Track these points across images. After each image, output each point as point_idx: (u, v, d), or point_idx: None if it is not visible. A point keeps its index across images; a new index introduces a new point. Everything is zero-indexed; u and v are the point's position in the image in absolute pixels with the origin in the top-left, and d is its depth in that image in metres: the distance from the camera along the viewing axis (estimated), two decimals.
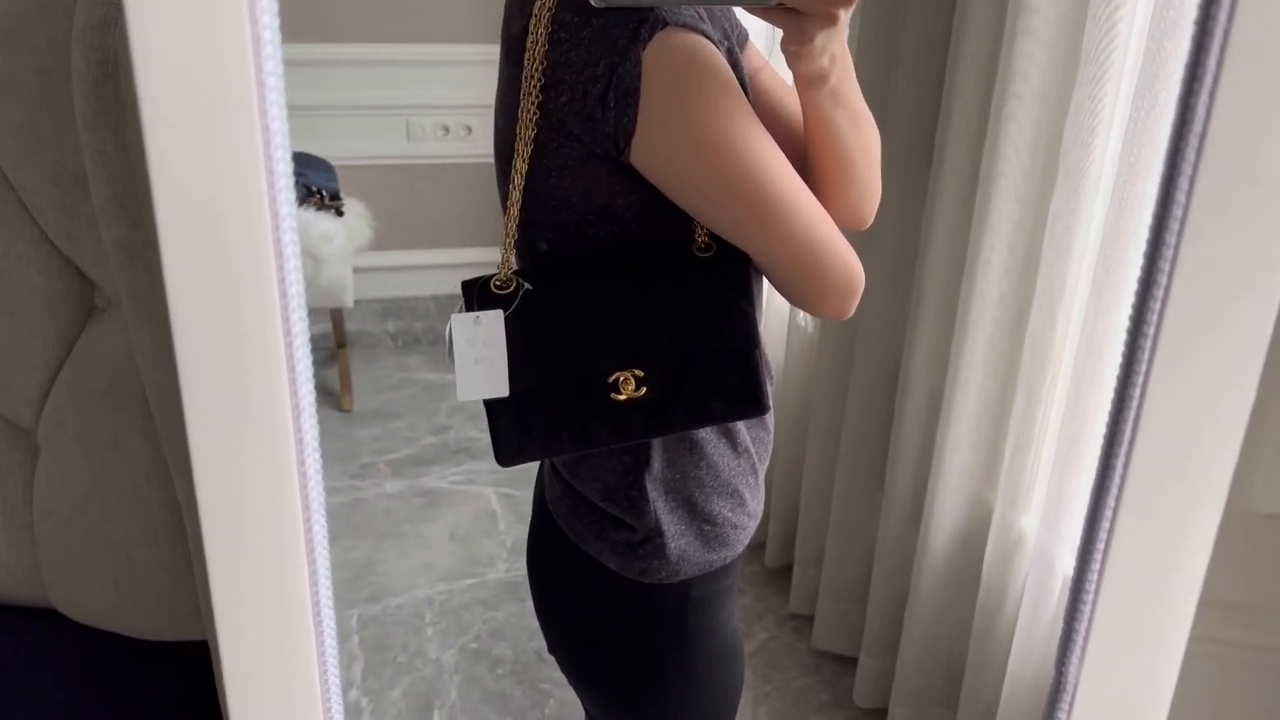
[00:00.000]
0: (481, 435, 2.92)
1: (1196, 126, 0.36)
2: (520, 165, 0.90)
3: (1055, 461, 1.45)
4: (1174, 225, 0.39)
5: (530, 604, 1.12)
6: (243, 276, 0.35)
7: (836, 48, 0.86)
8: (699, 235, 0.91)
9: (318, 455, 0.40)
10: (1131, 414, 0.47)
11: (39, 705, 1.07)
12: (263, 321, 0.36)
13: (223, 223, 0.34)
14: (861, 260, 0.94)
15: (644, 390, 0.90)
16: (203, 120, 0.33)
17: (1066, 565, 1.47)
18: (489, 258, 0.92)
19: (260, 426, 0.38)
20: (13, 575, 1.08)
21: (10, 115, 0.92)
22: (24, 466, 1.06)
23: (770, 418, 1.05)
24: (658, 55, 0.82)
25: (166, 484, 1.01)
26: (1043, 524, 1.49)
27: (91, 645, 1.08)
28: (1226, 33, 0.39)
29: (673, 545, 0.98)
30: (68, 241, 0.96)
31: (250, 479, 0.39)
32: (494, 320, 0.90)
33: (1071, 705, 0.43)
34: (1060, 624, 1.43)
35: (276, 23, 0.34)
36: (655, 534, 0.97)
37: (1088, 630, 0.43)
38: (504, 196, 0.94)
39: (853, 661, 2.06)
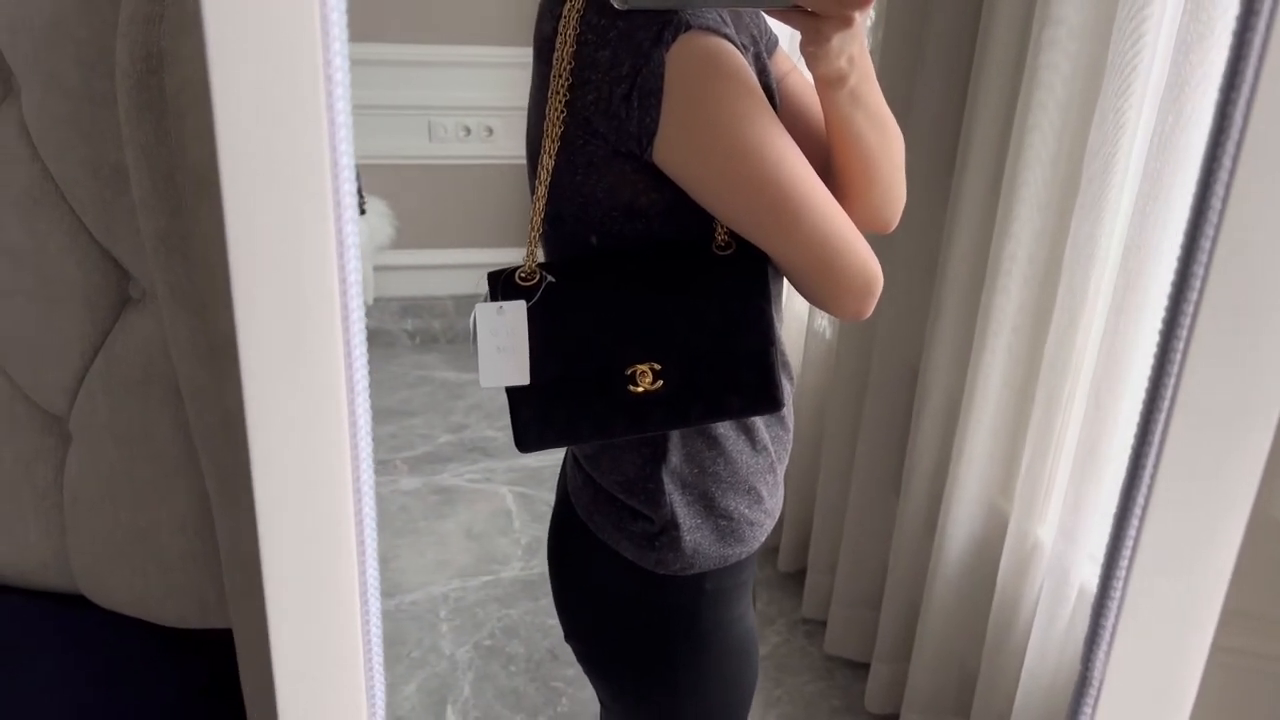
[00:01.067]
0: (497, 434, 2.93)
1: (1234, 134, 0.37)
2: (547, 161, 0.92)
3: (1072, 472, 1.46)
4: (1209, 231, 0.40)
5: (544, 603, 1.14)
6: (305, 257, 0.36)
7: (855, 49, 0.88)
8: (719, 234, 0.92)
9: (369, 438, 0.41)
10: (1161, 420, 0.48)
11: (65, 689, 1.09)
12: (322, 302, 0.37)
13: (288, 213, 0.35)
14: (881, 266, 0.95)
15: (661, 384, 0.92)
16: (272, 112, 0.34)
17: (1082, 575, 1.47)
18: (508, 258, 0.95)
19: (317, 409, 0.40)
20: (42, 561, 1.10)
21: (52, 108, 0.94)
22: (55, 454, 1.08)
23: (790, 418, 1.06)
24: (680, 57, 0.84)
25: (195, 474, 1.03)
26: (1059, 534, 1.49)
27: (117, 631, 1.10)
28: (1265, 42, 0.40)
29: (688, 539, 1.00)
30: (105, 233, 0.98)
31: (304, 453, 0.40)
32: (517, 311, 0.92)
33: (1096, 702, 0.44)
34: (1074, 633, 1.43)
35: (345, 20, 0.35)
36: (671, 527, 0.99)
37: (1114, 627, 0.44)
38: (533, 192, 0.96)
39: (865, 667, 2.06)
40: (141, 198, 0.89)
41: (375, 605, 0.44)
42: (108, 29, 0.88)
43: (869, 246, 0.93)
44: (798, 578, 2.35)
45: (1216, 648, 0.54)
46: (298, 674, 0.43)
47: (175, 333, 0.94)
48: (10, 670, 1.08)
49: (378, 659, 0.45)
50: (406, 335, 3.50)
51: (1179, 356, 0.45)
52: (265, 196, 0.35)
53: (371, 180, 3.09)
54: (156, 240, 0.90)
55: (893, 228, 1.04)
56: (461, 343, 3.51)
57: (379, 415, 3.17)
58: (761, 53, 0.97)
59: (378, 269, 3.00)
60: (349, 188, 0.37)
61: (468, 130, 3.42)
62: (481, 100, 3.37)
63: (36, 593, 1.12)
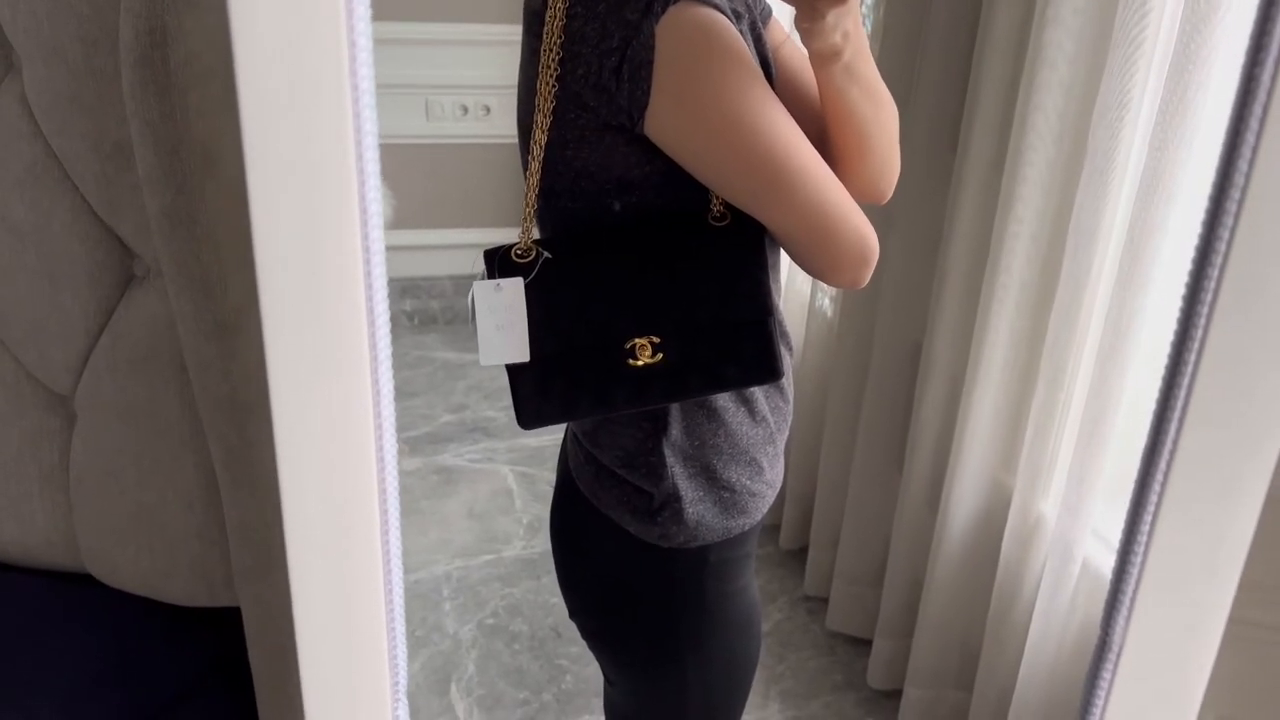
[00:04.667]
0: (498, 414, 2.93)
1: (1261, 95, 0.37)
2: (539, 136, 0.92)
3: (1076, 447, 1.46)
4: (1235, 192, 0.40)
5: (546, 581, 1.14)
6: (328, 227, 0.36)
7: (849, 25, 0.88)
8: (714, 205, 0.93)
9: (392, 407, 0.41)
10: (1183, 388, 0.48)
11: (73, 667, 1.09)
12: (346, 268, 0.37)
13: (313, 186, 0.35)
14: (884, 244, 0.95)
15: (660, 356, 0.93)
16: (296, 80, 0.34)
17: (1085, 550, 1.47)
18: (507, 238, 0.94)
19: (341, 379, 0.39)
20: (48, 540, 1.10)
21: (54, 84, 0.93)
22: (61, 433, 1.07)
23: (789, 389, 1.07)
24: (670, 29, 0.84)
25: (201, 451, 1.02)
26: (1062, 509, 1.49)
27: (125, 609, 1.10)
28: None
29: (690, 511, 1.00)
30: (109, 210, 0.97)
31: (329, 424, 0.40)
32: (514, 288, 0.92)
33: (1116, 666, 0.44)
34: (1077, 608, 1.42)
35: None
36: (673, 500, 0.99)
37: (1134, 593, 0.44)
38: (525, 167, 0.96)
39: (867, 643, 2.07)
40: (145, 174, 0.88)
41: (398, 576, 0.44)
42: (110, 4, 0.87)
43: (864, 216, 0.94)
44: (800, 555, 2.35)
45: (1233, 620, 0.54)
46: (321, 645, 0.43)
47: (181, 310, 0.94)
48: (17, 649, 1.08)
49: (400, 629, 0.45)
50: (405, 316, 3.49)
51: (1202, 322, 0.45)
52: (288, 168, 0.35)
53: None
54: (161, 217, 0.89)
55: (887, 199, 1.05)
56: (461, 323, 3.51)
57: None
58: (756, 21, 0.97)
59: None
60: (372, 154, 0.36)
61: (465, 109, 3.41)
62: (478, 79, 3.36)
63: (44, 572, 1.11)
